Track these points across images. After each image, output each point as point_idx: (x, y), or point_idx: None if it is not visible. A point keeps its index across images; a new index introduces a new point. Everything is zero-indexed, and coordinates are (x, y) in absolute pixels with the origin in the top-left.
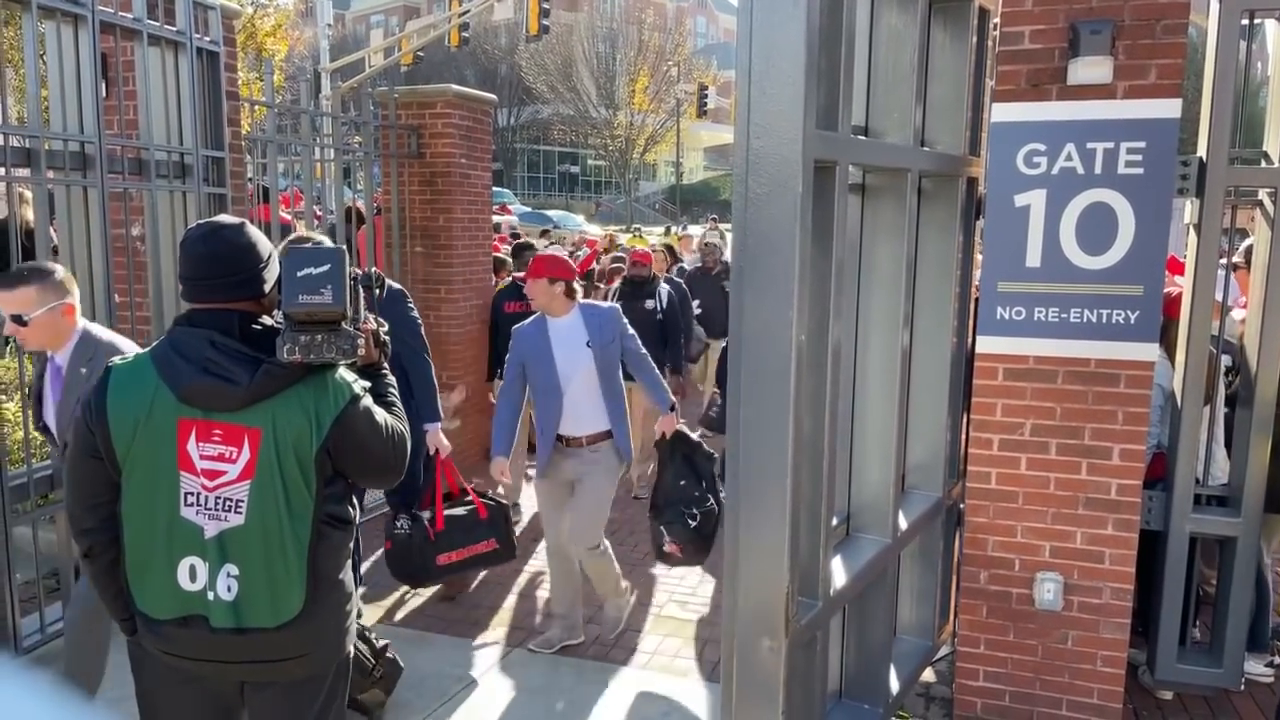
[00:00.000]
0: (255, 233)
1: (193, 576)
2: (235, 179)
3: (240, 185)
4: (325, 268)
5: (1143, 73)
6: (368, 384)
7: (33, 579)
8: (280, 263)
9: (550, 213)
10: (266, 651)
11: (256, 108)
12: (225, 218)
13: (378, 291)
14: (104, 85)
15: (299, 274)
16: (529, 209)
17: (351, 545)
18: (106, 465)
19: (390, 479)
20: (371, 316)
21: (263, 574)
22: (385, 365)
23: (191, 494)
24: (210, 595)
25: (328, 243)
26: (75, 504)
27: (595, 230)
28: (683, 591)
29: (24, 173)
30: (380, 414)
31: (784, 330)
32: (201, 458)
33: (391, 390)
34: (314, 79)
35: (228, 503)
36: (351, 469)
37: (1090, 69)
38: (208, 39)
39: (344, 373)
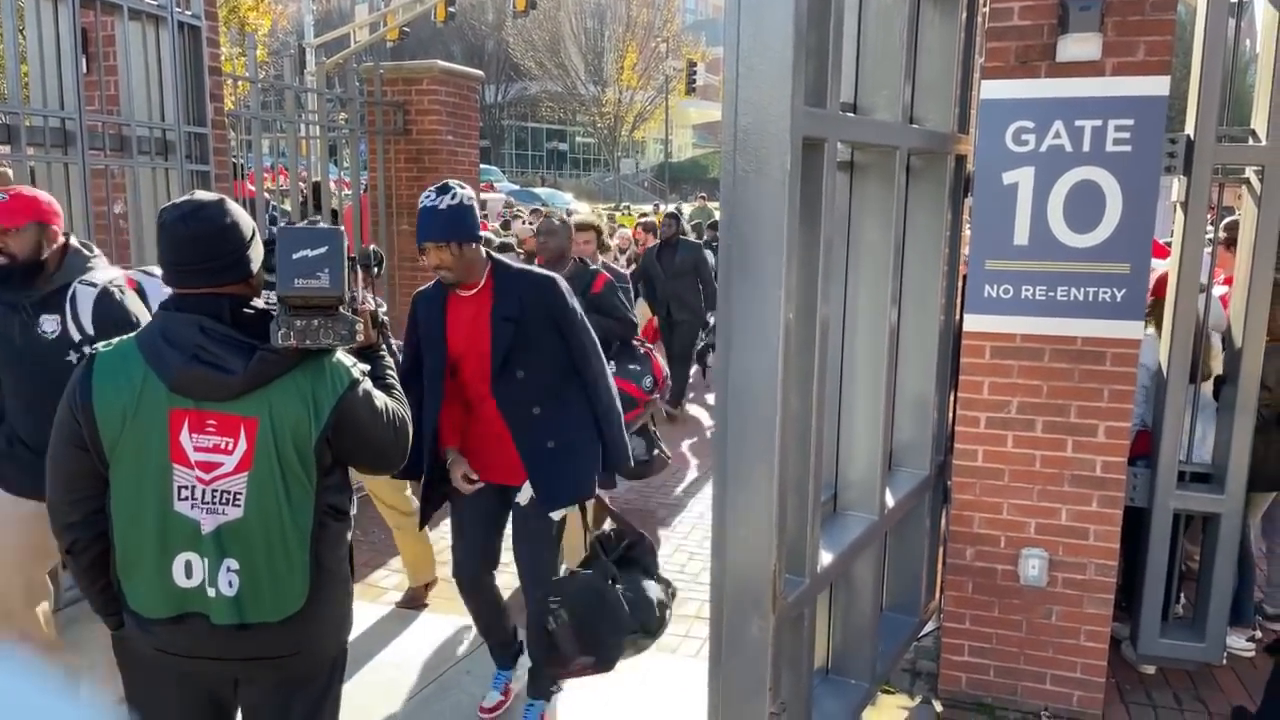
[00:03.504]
0: (237, 209)
1: (189, 573)
2: (219, 155)
3: (224, 162)
4: (323, 250)
5: (1131, 50)
6: (366, 367)
7: None
8: (275, 243)
9: (538, 190)
10: (269, 647)
11: (240, 83)
12: (203, 195)
13: (376, 270)
14: (85, 60)
15: (294, 256)
16: (516, 186)
17: (350, 536)
18: (92, 456)
19: (392, 464)
20: (370, 296)
21: (264, 568)
22: (383, 347)
23: (185, 488)
24: (211, 591)
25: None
26: (58, 497)
27: (583, 207)
28: (670, 569)
29: (4, 149)
30: (380, 398)
31: (772, 308)
32: (195, 449)
33: (390, 373)
34: (298, 54)
35: (225, 495)
36: (352, 456)
37: (1079, 46)
38: (189, 13)
39: (341, 356)
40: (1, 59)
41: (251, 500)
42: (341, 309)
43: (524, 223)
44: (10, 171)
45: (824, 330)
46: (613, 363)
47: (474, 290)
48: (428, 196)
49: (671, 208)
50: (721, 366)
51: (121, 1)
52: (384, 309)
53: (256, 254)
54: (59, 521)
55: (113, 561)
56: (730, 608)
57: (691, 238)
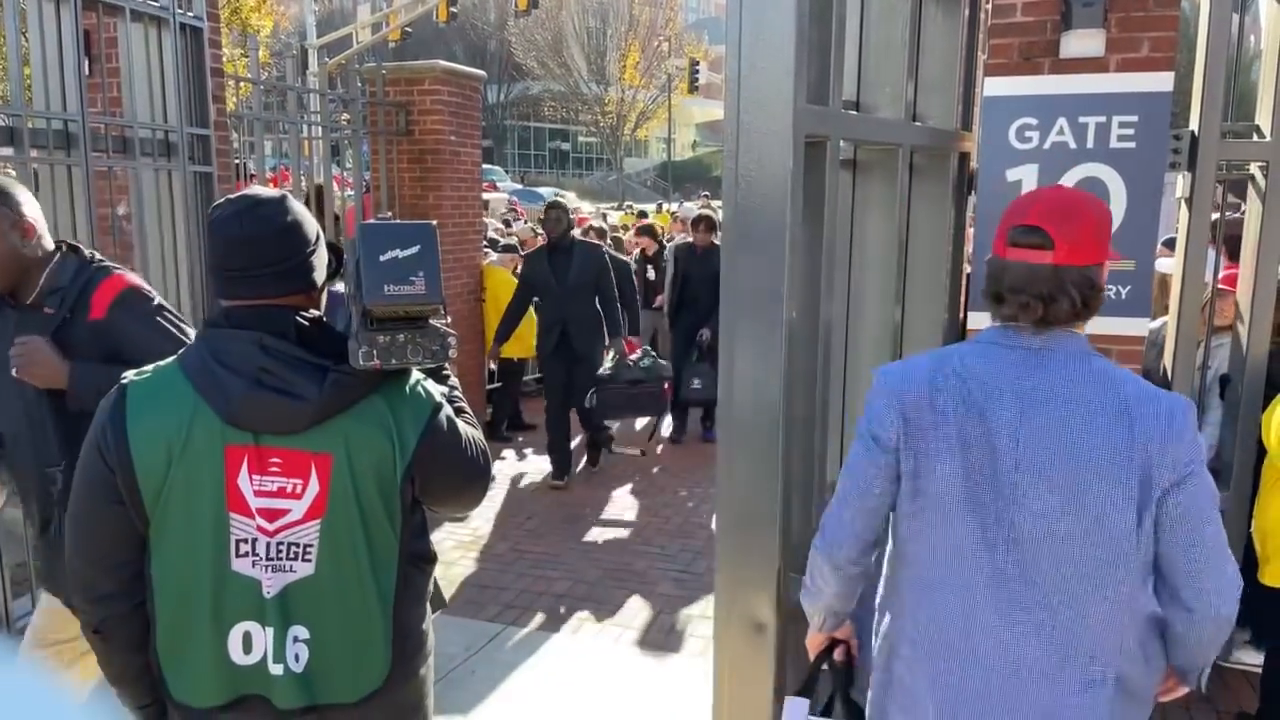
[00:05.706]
0: (299, 207)
1: (248, 647)
2: (221, 156)
3: (226, 163)
4: (414, 249)
5: (1135, 46)
6: (444, 389)
7: (24, 561)
8: (357, 243)
9: (541, 189)
10: None
11: (242, 85)
12: (260, 190)
13: None
14: (87, 62)
15: (382, 258)
16: (520, 186)
17: (431, 585)
18: (130, 513)
19: (475, 501)
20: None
21: (339, 636)
22: (448, 364)
23: (244, 541)
24: (276, 669)
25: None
26: (88, 566)
27: (586, 207)
28: (676, 569)
29: (7, 152)
30: (462, 425)
31: (775, 307)
32: (256, 494)
33: (459, 395)
34: (300, 55)
35: (293, 549)
36: (437, 494)
37: (1082, 42)
38: (191, 14)
39: (418, 376)
40: (4, 61)
41: (325, 554)
42: (433, 320)
43: (525, 222)
44: (14, 173)
45: (827, 329)
46: None
47: None
48: None
49: (672, 207)
50: (725, 366)
51: (124, 3)
52: (448, 320)
53: (321, 259)
54: (88, 595)
55: (152, 642)
56: (735, 608)
57: (591, 239)
